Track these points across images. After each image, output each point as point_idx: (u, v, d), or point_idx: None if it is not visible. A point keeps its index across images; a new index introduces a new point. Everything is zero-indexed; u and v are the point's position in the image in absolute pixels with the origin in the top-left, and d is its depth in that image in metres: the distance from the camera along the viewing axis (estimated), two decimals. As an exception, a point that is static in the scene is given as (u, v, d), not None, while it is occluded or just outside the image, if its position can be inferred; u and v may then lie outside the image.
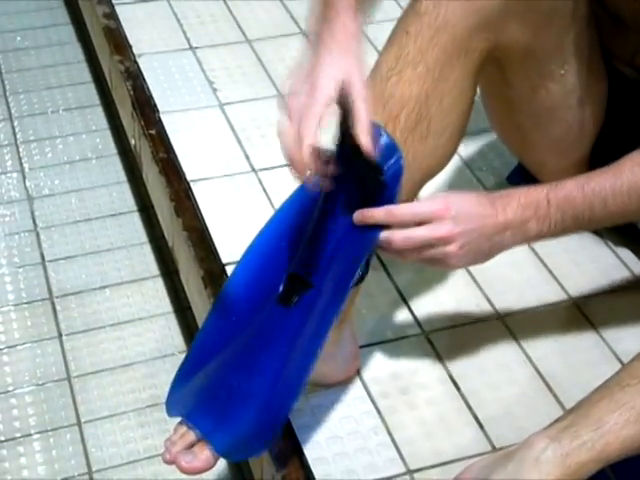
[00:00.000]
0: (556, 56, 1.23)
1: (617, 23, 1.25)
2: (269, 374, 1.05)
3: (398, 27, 1.14)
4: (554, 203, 1.07)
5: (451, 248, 1.04)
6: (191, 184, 1.52)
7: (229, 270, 1.37)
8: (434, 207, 1.04)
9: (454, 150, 1.18)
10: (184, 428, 1.08)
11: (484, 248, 1.07)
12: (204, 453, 1.06)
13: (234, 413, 1.05)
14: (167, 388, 1.08)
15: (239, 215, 1.48)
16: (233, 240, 1.41)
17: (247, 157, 1.58)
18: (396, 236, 1.04)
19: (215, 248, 1.41)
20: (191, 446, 1.06)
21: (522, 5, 1.13)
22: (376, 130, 1.03)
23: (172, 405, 1.11)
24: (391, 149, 1.07)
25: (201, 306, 1.41)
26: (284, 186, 1.50)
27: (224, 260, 1.39)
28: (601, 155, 1.23)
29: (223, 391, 1.07)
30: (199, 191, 1.51)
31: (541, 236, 1.09)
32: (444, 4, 1.10)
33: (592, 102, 1.29)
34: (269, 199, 1.50)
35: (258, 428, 1.06)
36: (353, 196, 1.05)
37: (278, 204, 1.46)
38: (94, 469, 1.41)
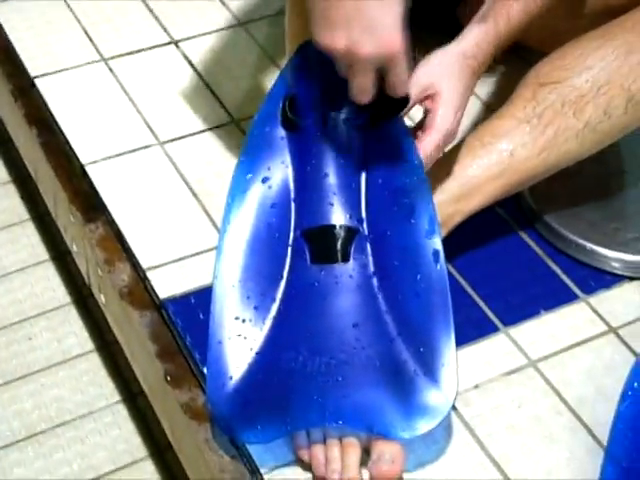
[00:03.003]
0: None
1: None
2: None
3: None
4: None
5: None
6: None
7: (38, 82, 1.37)
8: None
9: None
10: (333, 442, 0.89)
11: None
12: (389, 449, 0.89)
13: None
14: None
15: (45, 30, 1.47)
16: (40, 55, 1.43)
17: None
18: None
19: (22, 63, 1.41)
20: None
21: None
22: None
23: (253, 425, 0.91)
24: None
25: (13, 120, 1.43)
26: None
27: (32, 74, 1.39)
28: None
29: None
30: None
31: None
32: None
33: None
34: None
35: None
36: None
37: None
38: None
